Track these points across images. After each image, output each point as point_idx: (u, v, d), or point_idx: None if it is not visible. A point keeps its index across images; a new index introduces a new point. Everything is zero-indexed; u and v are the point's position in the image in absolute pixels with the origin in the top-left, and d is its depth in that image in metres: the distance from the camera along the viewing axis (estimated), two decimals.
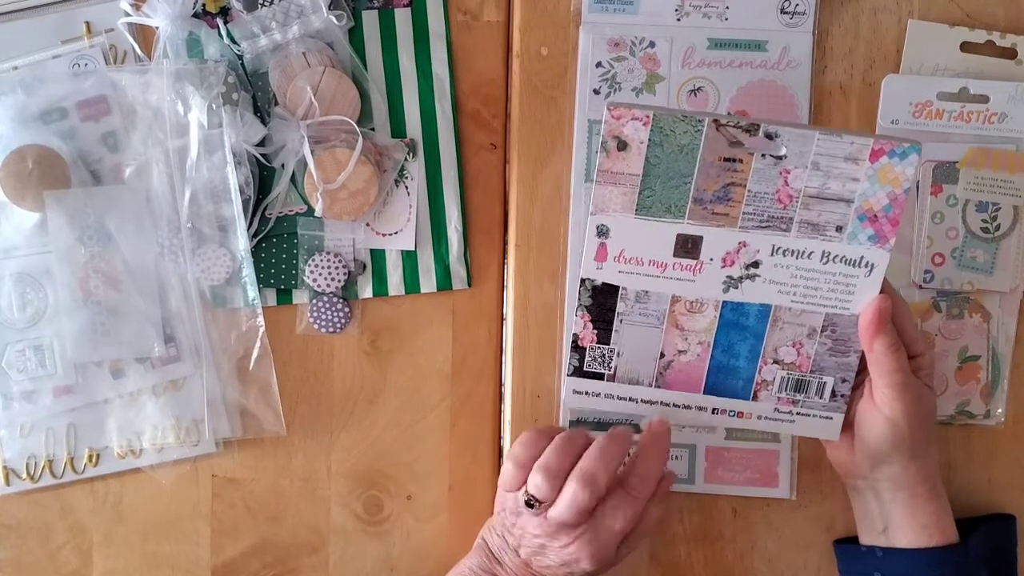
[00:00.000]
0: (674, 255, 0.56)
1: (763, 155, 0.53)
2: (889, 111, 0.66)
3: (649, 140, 0.54)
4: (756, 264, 0.56)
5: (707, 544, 0.69)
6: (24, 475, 0.69)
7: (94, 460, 0.69)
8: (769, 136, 0.53)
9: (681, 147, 0.54)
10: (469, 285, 0.70)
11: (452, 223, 0.69)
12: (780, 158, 0.53)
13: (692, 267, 0.56)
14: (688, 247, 0.56)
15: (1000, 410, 0.67)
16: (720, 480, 0.68)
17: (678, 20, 0.66)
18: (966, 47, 0.66)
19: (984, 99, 0.65)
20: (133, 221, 0.66)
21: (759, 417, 0.60)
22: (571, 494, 0.55)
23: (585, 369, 0.60)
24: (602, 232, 0.56)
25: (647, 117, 0.53)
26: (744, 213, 0.55)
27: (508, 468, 0.58)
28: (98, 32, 0.67)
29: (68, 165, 0.65)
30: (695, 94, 0.67)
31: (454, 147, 0.69)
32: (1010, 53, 0.66)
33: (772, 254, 0.56)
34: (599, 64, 0.67)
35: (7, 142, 0.64)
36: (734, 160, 0.54)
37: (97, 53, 0.67)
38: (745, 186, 0.54)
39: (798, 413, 0.60)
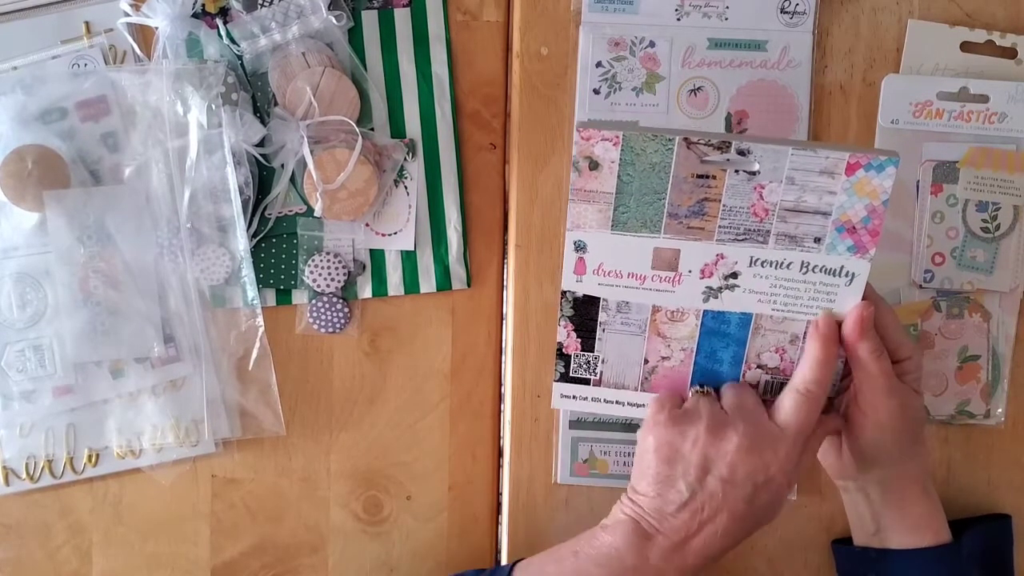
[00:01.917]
0: (652, 267, 0.56)
1: (736, 171, 0.54)
2: (889, 111, 0.66)
3: (620, 159, 0.54)
4: (735, 275, 0.56)
5: None
6: (24, 475, 0.69)
7: (94, 460, 0.69)
8: (741, 152, 0.53)
9: (653, 165, 0.54)
10: (469, 285, 0.70)
11: (452, 223, 0.69)
12: (754, 173, 0.53)
13: (671, 279, 0.57)
14: (666, 260, 0.56)
15: (1000, 410, 0.67)
16: None
17: (678, 20, 0.66)
18: (966, 47, 0.66)
19: (984, 99, 0.65)
20: (133, 221, 0.66)
21: None
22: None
23: (571, 375, 0.60)
24: (579, 247, 0.56)
25: (616, 137, 0.53)
26: (720, 227, 0.55)
27: (657, 406, 0.57)
28: (98, 32, 0.67)
29: (68, 165, 0.65)
30: (695, 94, 0.67)
31: (454, 147, 0.69)
32: (1010, 53, 0.66)
33: (750, 265, 0.56)
34: (599, 64, 0.67)
35: (7, 142, 0.65)
36: (707, 176, 0.54)
37: (97, 53, 0.67)
38: (720, 201, 0.54)
39: None
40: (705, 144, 0.53)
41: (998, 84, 0.65)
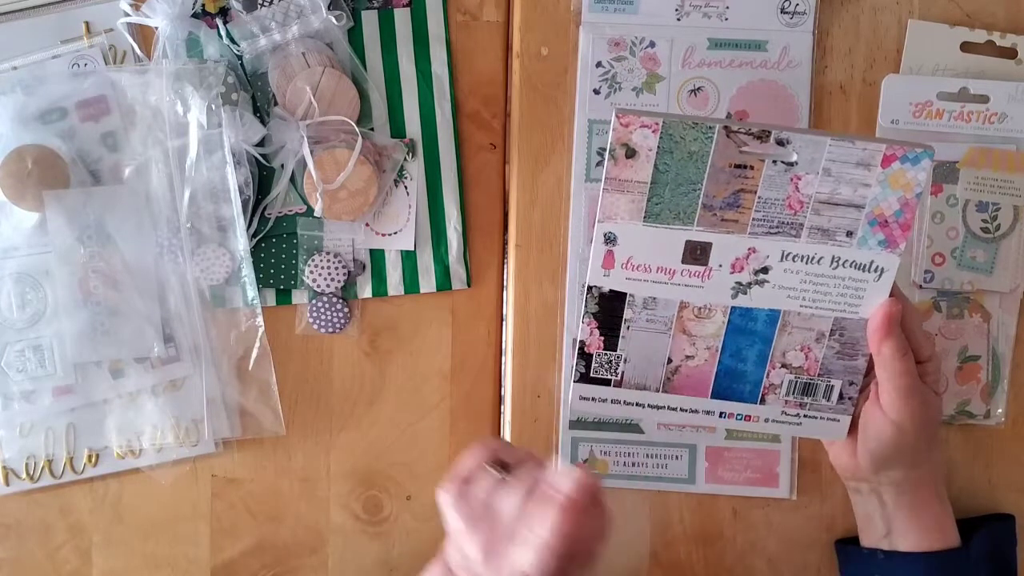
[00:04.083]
0: (682, 262, 0.56)
1: (774, 161, 0.53)
2: (889, 111, 0.66)
3: (658, 147, 0.53)
4: (765, 270, 0.56)
5: (707, 544, 0.69)
6: (24, 475, 0.69)
7: (93, 460, 0.69)
8: (780, 142, 0.52)
9: (691, 154, 0.53)
10: (469, 285, 0.69)
11: (452, 223, 0.69)
12: (791, 164, 0.53)
13: (700, 273, 0.56)
14: (697, 254, 0.55)
15: (1000, 410, 0.67)
16: (720, 480, 0.68)
17: (678, 20, 0.66)
18: (966, 47, 0.66)
19: (984, 99, 0.65)
20: (133, 221, 0.66)
21: (766, 420, 0.60)
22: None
23: (592, 375, 0.59)
24: (609, 239, 0.55)
25: (656, 124, 0.52)
26: (754, 219, 0.54)
27: (458, 466, 0.56)
28: (97, 32, 0.67)
29: (67, 165, 0.65)
30: (695, 94, 0.67)
31: (454, 147, 0.69)
32: (1010, 53, 0.66)
33: (782, 260, 0.55)
34: (599, 64, 0.67)
35: (7, 142, 0.64)
36: (744, 167, 0.53)
37: (96, 53, 0.67)
38: (755, 192, 0.54)
39: (805, 415, 0.59)
40: (745, 133, 0.52)
41: (998, 84, 0.65)
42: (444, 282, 0.69)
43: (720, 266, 0.56)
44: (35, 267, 0.67)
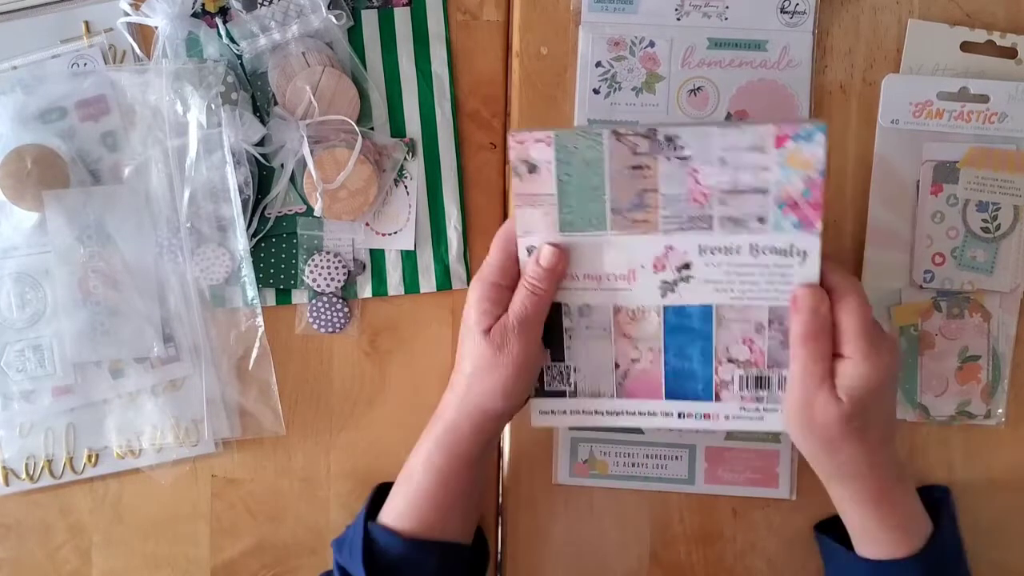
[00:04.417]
0: (606, 267, 0.57)
1: (667, 158, 0.54)
2: (889, 111, 0.66)
3: (556, 159, 0.55)
4: (687, 266, 0.56)
5: (707, 544, 0.69)
6: (23, 475, 0.69)
7: (93, 460, 0.69)
8: (669, 139, 0.54)
9: (587, 162, 0.55)
10: (469, 285, 0.69)
11: (452, 223, 0.69)
12: (685, 158, 0.54)
13: (626, 276, 0.57)
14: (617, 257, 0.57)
15: (1000, 410, 0.67)
16: (720, 480, 0.68)
17: (678, 20, 0.66)
18: (966, 47, 0.66)
19: (984, 99, 0.65)
20: (132, 221, 0.66)
21: (726, 417, 0.59)
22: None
23: (547, 389, 0.60)
24: (532, 252, 0.57)
25: (548, 138, 0.55)
26: (663, 217, 0.55)
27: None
28: (97, 32, 0.67)
29: (67, 165, 0.65)
30: (695, 94, 0.67)
31: (454, 147, 0.69)
32: (1010, 53, 0.66)
33: (700, 254, 0.56)
34: (599, 64, 0.67)
35: (6, 142, 0.65)
36: (641, 167, 0.55)
37: (96, 53, 0.67)
38: (658, 191, 0.55)
39: (765, 409, 0.59)
40: (633, 135, 0.54)
41: (998, 84, 0.65)
42: (444, 282, 0.69)
43: (643, 267, 0.57)
44: (35, 267, 0.67)
